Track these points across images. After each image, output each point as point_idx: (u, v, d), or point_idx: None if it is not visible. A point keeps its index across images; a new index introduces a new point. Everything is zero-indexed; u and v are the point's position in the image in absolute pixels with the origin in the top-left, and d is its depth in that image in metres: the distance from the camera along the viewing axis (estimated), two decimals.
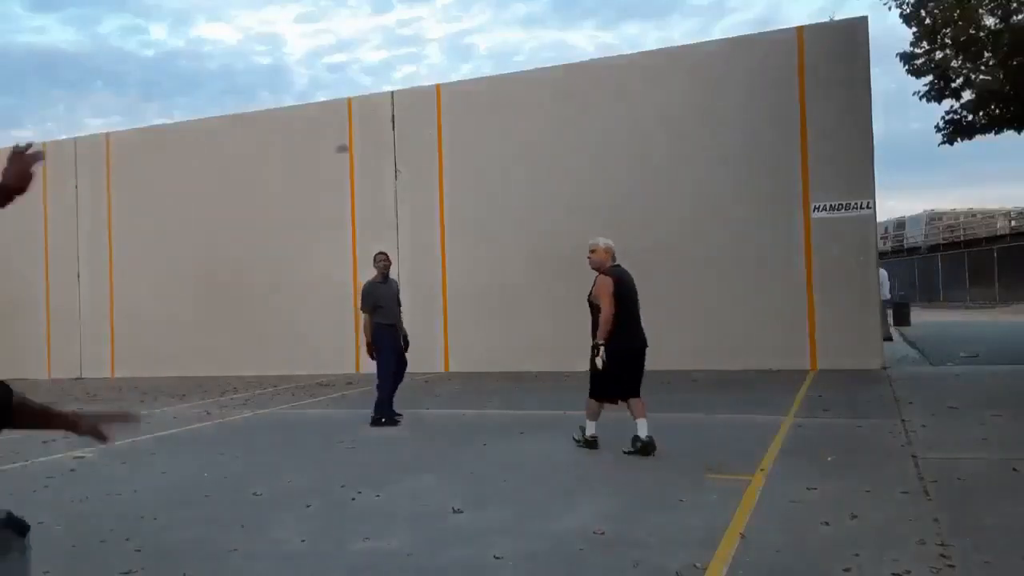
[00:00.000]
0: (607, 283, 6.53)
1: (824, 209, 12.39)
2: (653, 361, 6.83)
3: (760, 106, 12.79)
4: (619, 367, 6.49)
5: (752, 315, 12.56)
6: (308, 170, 15.61)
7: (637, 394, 6.55)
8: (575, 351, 8.82)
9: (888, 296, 18.68)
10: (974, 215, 44.25)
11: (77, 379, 16.85)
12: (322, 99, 16.54)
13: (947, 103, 12.98)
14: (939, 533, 4.14)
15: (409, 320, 15.13)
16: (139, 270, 16.72)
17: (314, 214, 15.52)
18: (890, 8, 12.59)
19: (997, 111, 12.66)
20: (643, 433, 6.36)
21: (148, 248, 16.72)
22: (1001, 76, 11.74)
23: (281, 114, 16.35)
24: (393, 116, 15.09)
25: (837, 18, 13.04)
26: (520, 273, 13.95)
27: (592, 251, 6.77)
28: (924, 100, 12.87)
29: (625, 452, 6.38)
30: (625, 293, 6.61)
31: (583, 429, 6.78)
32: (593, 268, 6.77)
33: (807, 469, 5.65)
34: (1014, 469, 5.43)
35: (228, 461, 6.93)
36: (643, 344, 6.69)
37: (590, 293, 6.75)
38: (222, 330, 16.07)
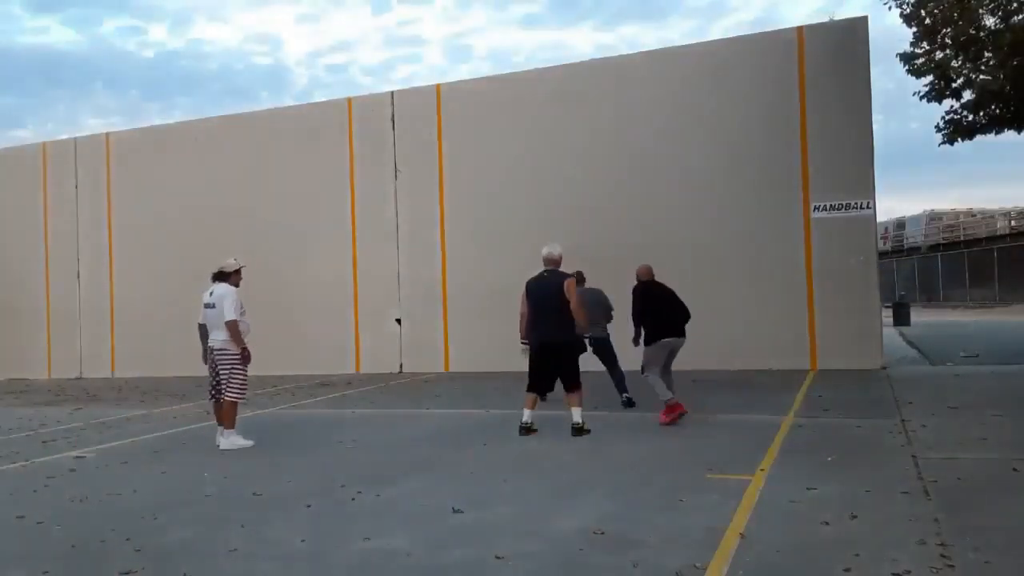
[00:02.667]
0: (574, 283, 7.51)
1: (824, 209, 12.39)
2: None
3: (760, 106, 12.80)
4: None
5: (752, 315, 12.55)
6: (308, 170, 15.61)
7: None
8: None
9: None
10: (974, 215, 44.16)
11: (77, 379, 16.86)
12: (322, 99, 16.55)
13: (947, 103, 12.97)
14: (939, 533, 4.14)
15: (409, 320, 15.35)
16: (139, 270, 16.72)
17: (314, 214, 15.53)
18: (890, 8, 12.58)
19: (997, 111, 12.65)
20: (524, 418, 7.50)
21: (148, 248, 16.72)
22: (1001, 76, 11.73)
23: (281, 114, 16.36)
24: (393, 116, 15.10)
25: (837, 18, 13.05)
26: (520, 273, 13.83)
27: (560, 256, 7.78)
28: (924, 100, 12.86)
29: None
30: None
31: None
32: (556, 269, 7.73)
33: (807, 469, 5.65)
34: (1014, 469, 5.43)
35: (228, 461, 6.93)
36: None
37: (558, 292, 7.46)
38: None
